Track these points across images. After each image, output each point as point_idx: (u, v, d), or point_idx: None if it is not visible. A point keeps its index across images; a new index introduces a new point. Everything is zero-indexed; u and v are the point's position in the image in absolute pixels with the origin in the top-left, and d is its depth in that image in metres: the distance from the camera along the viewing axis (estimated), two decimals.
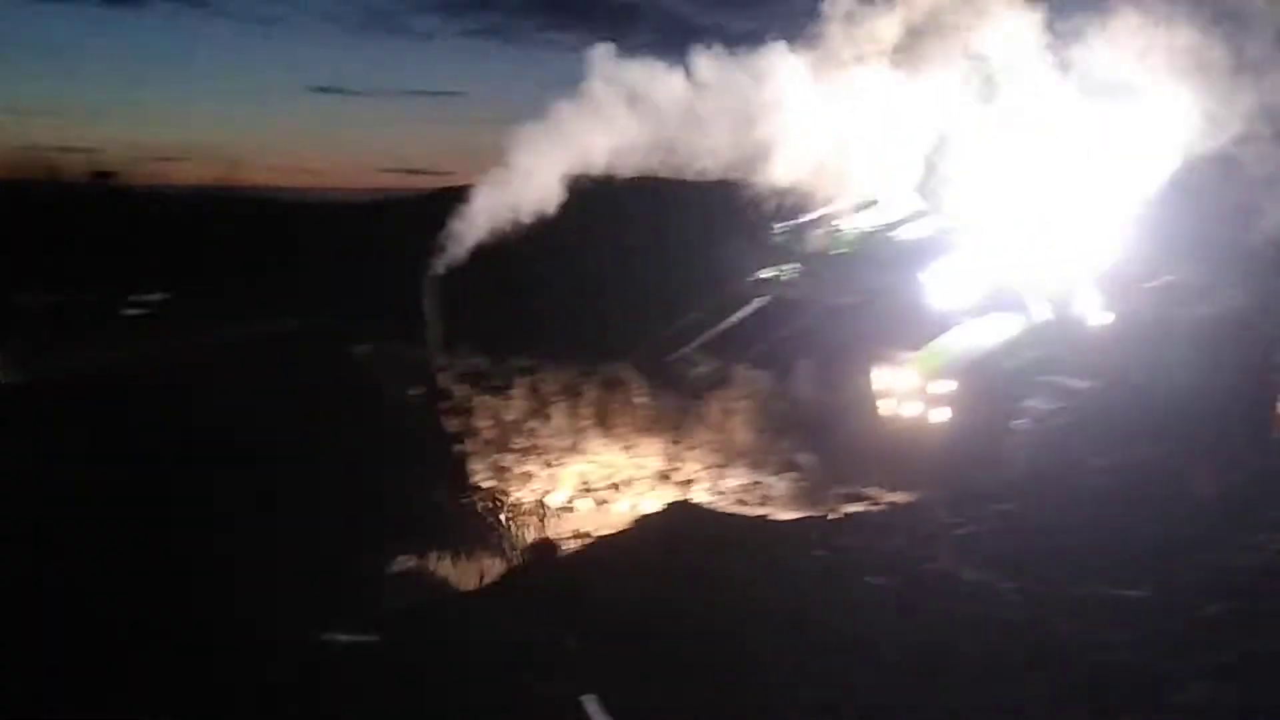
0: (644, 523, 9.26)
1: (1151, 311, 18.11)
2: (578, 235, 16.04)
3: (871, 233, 15.77)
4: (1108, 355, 17.65)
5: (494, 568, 11.20)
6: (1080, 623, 7.64)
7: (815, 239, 15.97)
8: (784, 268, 15.89)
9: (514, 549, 12.02)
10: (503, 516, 14.59)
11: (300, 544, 10.05)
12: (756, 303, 16.51)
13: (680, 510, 9.46)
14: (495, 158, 15.42)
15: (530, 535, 13.83)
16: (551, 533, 14.52)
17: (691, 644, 6.88)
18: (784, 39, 16.44)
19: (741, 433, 18.72)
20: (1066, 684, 6.91)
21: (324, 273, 25.35)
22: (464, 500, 12.96)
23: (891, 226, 16.14)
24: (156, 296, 19.27)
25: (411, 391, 13.78)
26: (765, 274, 16.10)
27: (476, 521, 13.80)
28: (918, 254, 16.93)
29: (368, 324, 16.55)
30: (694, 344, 17.39)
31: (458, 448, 13.10)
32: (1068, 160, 17.67)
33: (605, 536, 9.54)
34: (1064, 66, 17.41)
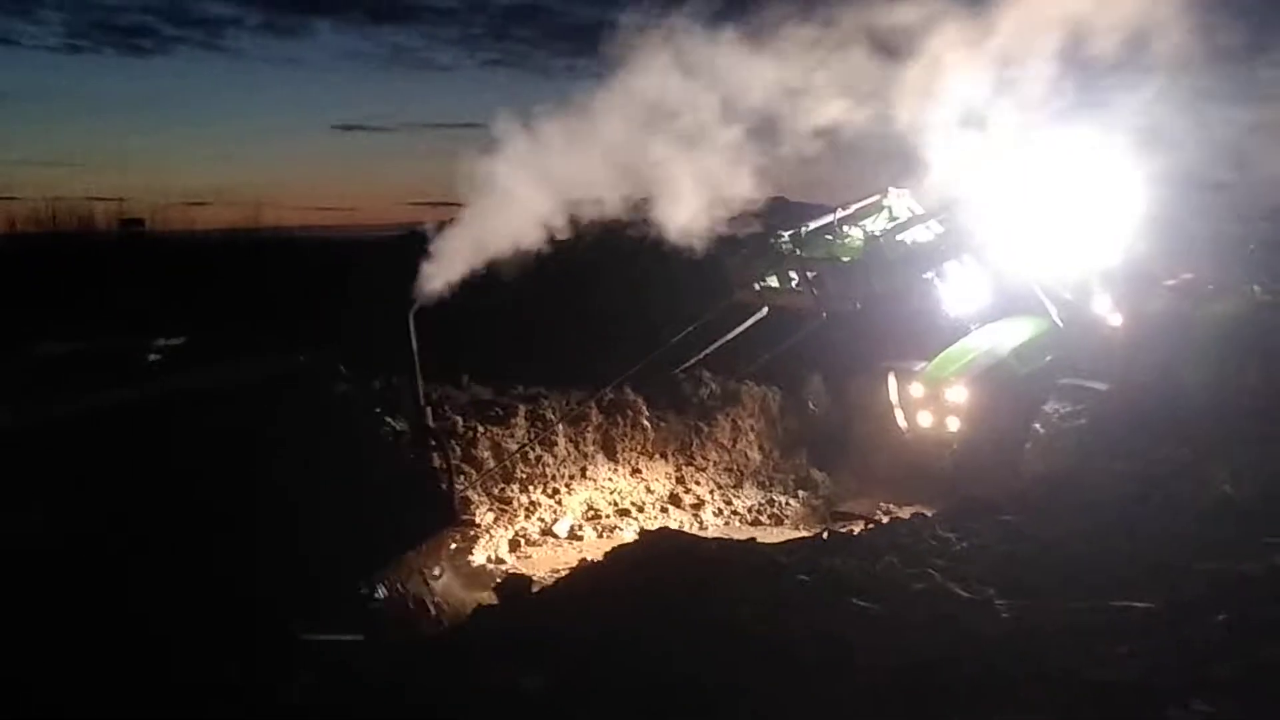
0: (617, 553, 8.97)
1: (1169, 310, 17.75)
2: (575, 256, 15.85)
3: (877, 237, 15.46)
4: (1126, 356, 17.31)
5: (470, 602, 10.96)
6: (1078, 639, 7.31)
7: (819, 245, 15.70)
8: (788, 275, 15.64)
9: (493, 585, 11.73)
10: (488, 550, 14.46)
11: (283, 566, 9.89)
12: (759, 314, 16.25)
13: (656, 537, 9.17)
14: None
15: (526, 567, 13.68)
16: (547, 566, 14.34)
17: (663, 678, 6.63)
18: None
19: (753, 451, 18.48)
20: (1062, 703, 6.59)
21: (340, 309, 25.24)
22: (445, 535, 12.69)
23: (898, 229, 15.83)
24: (175, 341, 19.22)
25: (397, 427, 13.54)
26: (767, 283, 15.84)
27: (459, 557, 13.65)
28: (926, 257, 16.63)
29: (369, 359, 16.32)
30: (694, 360, 17.17)
31: (445, 482, 12.85)
32: (1075, 154, 17.33)
33: (576, 569, 9.27)
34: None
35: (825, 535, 9.96)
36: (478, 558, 14.35)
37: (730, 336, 16.96)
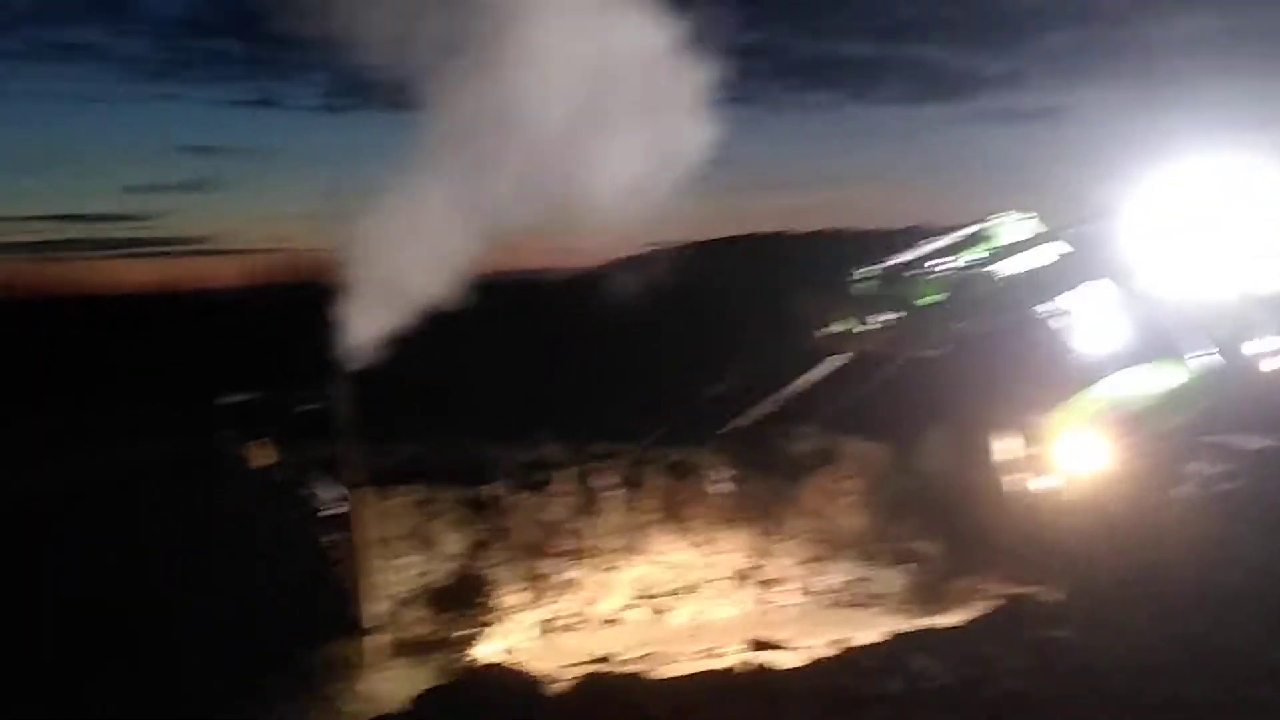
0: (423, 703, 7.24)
1: None
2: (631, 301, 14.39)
3: (965, 271, 13.24)
4: None
5: None
6: None
7: (903, 283, 13.61)
8: (867, 319, 13.61)
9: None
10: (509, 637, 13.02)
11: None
12: (831, 360, 14.24)
13: (475, 684, 7.40)
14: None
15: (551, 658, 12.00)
16: (578, 655, 12.67)
17: None
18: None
19: (850, 518, 16.29)
20: None
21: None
22: (339, 650, 11.11)
23: (996, 259, 13.55)
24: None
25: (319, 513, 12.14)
26: (841, 327, 13.84)
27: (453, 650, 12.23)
28: (1039, 289, 14.23)
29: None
30: (758, 412, 15.24)
31: (349, 585, 11.45)
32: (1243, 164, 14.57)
33: None
34: None
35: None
36: (491, 647, 12.83)
37: (803, 386, 14.91)
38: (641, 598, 14.62)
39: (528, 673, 7.87)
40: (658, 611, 14.38)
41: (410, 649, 12.02)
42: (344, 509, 11.58)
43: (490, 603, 13.65)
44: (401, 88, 12.27)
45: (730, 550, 15.52)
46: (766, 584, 15.05)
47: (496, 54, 11.99)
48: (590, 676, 7.96)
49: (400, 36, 11.90)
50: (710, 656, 11.88)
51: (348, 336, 11.48)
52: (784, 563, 15.48)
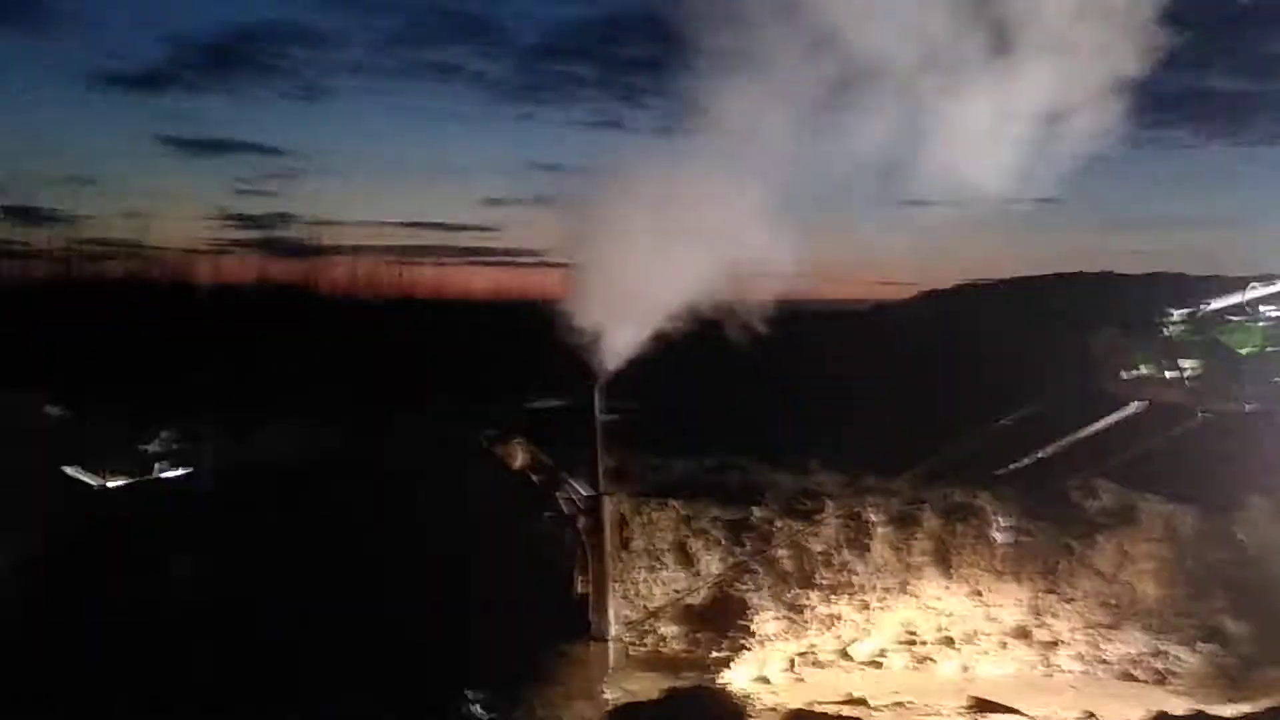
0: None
1: None
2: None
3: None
4: None
5: None
6: None
7: (1216, 329, 12.53)
8: (1165, 363, 12.64)
9: None
10: (759, 665, 12.72)
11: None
12: (1129, 406, 13.24)
13: (692, 705, 7.15)
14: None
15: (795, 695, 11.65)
16: (826, 694, 12.31)
17: None
18: None
19: (1145, 585, 14.96)
20: None
21: None
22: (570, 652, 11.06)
23: None
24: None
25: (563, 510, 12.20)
26: (1144, 372, 12.87)
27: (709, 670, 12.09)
28: None
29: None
30: (1042, 454, 14.35)
31: (585, 587, 11.49)
32: None
33: None
34: None
35: None
36: (738, 675, 12.61)
37: (1095, 431, 13.92)
38: (906, 642, 13.98)
39: (748, 702, 7.56)
40: (922, 660, 13.71)
41: (650, 662, 12.07)
42: (597, 516, 11.74)
43: (744, 627, 13.44)
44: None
45: (1009, 604, 14.56)
46: (1046, 646, 14.04)
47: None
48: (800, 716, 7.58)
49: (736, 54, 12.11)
50: (957, 715, 11.25)
51: (628, 352, 11.70)
52: (1067, 625, 14.39)
